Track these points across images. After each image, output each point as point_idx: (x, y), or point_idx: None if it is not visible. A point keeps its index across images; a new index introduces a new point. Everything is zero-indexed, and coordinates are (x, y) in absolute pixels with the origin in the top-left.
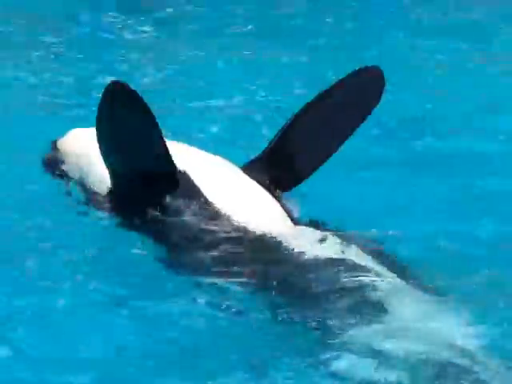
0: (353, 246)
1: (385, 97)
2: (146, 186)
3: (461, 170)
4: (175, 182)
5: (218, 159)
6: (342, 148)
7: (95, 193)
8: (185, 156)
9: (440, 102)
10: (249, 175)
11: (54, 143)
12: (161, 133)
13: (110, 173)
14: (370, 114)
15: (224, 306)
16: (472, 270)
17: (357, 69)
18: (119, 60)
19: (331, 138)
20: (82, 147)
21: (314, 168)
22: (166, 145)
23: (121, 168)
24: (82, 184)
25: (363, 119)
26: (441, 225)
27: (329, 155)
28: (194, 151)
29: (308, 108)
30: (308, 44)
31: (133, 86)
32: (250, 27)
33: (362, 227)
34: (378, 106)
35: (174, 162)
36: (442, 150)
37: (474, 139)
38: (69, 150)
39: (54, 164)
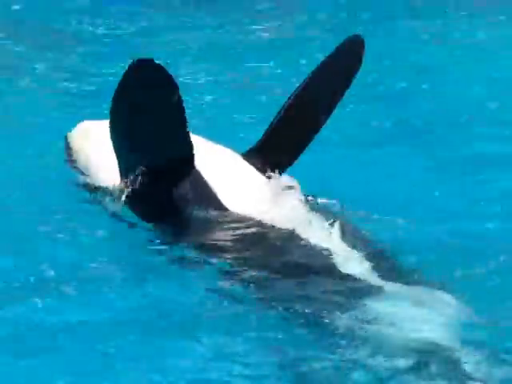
0: (348, 228)
1: None
2: (160, 173)
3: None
4: (191, 165)
5: (220, 147)
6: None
7: (104, 184)
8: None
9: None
10: (248, 161)
11: (67, 135)
12: (185, 112)
13: (119, 162)
14: (352, 78)
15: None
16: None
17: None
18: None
19: (320, 113)
20: (92, 139)
21: (306, 143)
22: (187, 125)
23: (136, 152)
24: (92, 175)
25: (347, 86)
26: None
27: (318, 128)
28: (197, 139)
29: (298, 91)
30: None
31: None
32: None
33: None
34: None
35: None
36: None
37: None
38: (79, 142)
39: (68, 155)
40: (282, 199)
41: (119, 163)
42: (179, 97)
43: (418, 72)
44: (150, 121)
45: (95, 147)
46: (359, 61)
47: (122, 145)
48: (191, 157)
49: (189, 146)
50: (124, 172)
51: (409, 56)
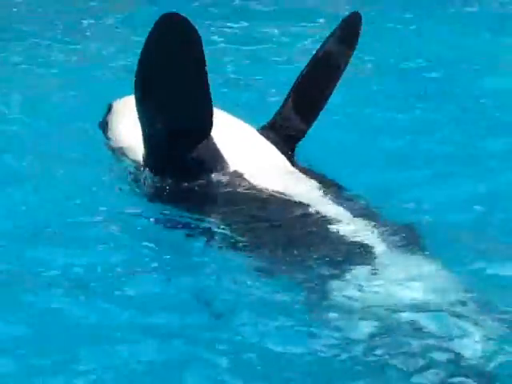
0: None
1: None
2: (178, 138)
3: None
4: (207, 134)
5: (237, 121)
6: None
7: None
8: None
9: None
10: (263, 135)
11: (108, 106)
12: (206, 72)
13: (142, 125)
14: (353, 48)
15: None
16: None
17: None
18: None
19: (327, 84)
20: (128, 114)
21: (316, 113)
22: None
23: (158, 112)
24: (125, 150)
25: (350, 54)
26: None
27: (326, 98)
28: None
29: (308, 67)
30: None
31: None
32: None
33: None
34: None
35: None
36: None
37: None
38: (116, 115)
39: (104, 128)
40: (296, 173)
41: (142, 126)
42: (202, 52)
43: None
44: (173, 78)
45: (130, 120)
46: (357, 33)
47: (145, 105)
48: (210, 122)
49: (208, 110)
50: (147, 137)
51: None
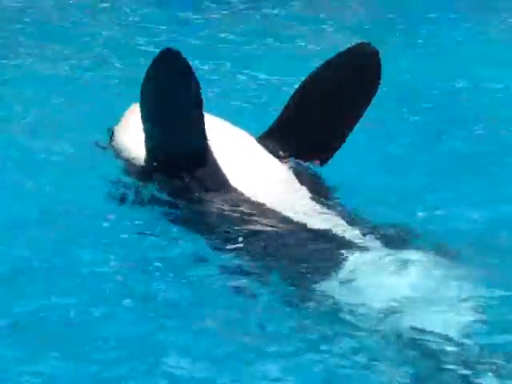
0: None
1: None
2: (176, 160)
3: None
4: (203, 161)
5: (236, 130)
6: None
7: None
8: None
9: None
10: (262, 144)
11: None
12: (202, 112)
13: (145, 139)
14: (370, 100)
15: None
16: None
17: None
18: None
19: (339, 118)
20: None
21: (318, 129)
22: (204, 125)
23: (156, 135)
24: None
25: (366, 105)
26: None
27: (342, 135)
28: (214, 120)
29: (311, 80)
30: None
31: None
32: None
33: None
34: None
35: (207, 144)
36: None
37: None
38: (125, 123)
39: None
40: (294, 182)
41: (145, 141)
42: (199, 93)
43: None
44: (170, 108)
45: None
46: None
47: (147, 125)
48: (203, 150)
49: (202, 141)
50: (149, 151)
51: None
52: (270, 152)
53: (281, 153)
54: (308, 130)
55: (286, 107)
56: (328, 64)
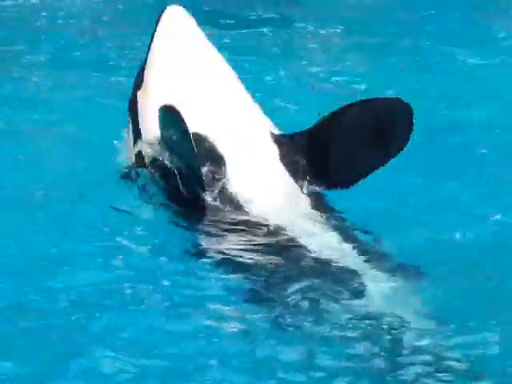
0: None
1: None
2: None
3: None
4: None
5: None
6: None
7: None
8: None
9: None
10: (282, 159)
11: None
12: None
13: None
14: (400, 151)
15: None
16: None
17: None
18: None
19: (367, 158)
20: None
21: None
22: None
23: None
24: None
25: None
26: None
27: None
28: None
29: (338, 111)
30: None
31: None
32: None
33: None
34: None
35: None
36: None
37: None
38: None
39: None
40: (306, 204)
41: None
42: (192, 148)
43: None
44: (174, 155)
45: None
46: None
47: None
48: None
49: (198, 193)
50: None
51: None
52: (284, 160)
53: (295, 166)
54: (334, 156)
55: (321, 124)
56: (366, 105)
